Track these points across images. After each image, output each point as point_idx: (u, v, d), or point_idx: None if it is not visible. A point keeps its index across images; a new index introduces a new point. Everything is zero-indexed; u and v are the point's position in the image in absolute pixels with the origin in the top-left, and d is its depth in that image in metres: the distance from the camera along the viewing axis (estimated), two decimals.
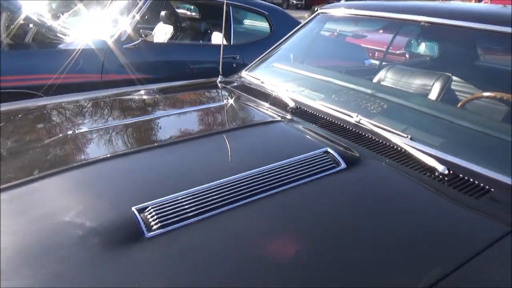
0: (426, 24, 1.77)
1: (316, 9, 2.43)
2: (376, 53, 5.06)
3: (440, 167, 1.12)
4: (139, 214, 0.85)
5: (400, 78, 2.11)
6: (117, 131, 1.33)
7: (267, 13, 4.16)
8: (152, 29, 4.51)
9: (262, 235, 0.87)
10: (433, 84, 1.96)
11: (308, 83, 1.83)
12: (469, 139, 1.32)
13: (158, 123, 1.46)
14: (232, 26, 4.03)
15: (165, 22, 4.66)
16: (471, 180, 1.10)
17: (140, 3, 3.46)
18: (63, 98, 1.72)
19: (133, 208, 0.86)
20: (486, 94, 1.57)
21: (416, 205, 1.04)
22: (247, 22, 5.03)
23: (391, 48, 3.18)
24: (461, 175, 1.12)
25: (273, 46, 2.28)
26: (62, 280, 0.71)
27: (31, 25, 3.21)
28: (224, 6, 2.11)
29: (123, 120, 1.45)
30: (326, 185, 1.05)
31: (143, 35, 3.38)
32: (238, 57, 3.90)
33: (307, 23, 2.28)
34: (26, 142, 1.24)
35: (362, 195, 1.06)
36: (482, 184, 1.08)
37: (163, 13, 4.56)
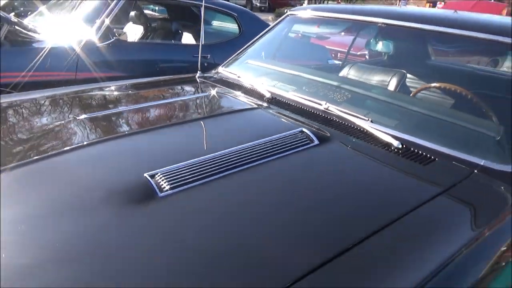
0: (383, 25, 2.02)
1: (286, 10, 2.63)
2: (339, 54, 5.35)
3: (395, 143, 1.35)
4: (151, 179, 1.01)
5: (361, 75, 2.36)
6: (116, 117, 1.47)
7: (236, 15, 4.34)
8: (121, 29, 4.58)
9: (250, 195, 1.06)
10: (390, 79, 2.22)
11: (281, 77, 2.03)
12: (418, 121, 1.56)
13: (151, 111, 1.60)
14: (202, 27, 4.17)
15: (134, 22, 4.73)
16: (420, 152, 1.33)
17: (113, 4, 3.54)
18: (57, 90, 1.83)
19: (145, 174, 1.02)
20: (433, 84, 1.83)
21: (375, 171, 1.26)
22: (217, 23, 5.18)
23: (352, 49, 3.45)
24: (412, 149, 1.35)
25: (247, 45, 2.46)
26: (95, 231, 0.86)
27: (2, 24, 3.22)
28: (202, 8, 2.27)
29: (119, 108, 1.60)
30: (302, 158, 1.25)
31: (116, 34, 3.47)
32: (209, 57, 4.04)
33: (277, 24, 2.49)
34: (41, 127, 1.37)
35: (332, 164, 1.27)
36: (428, 155, 1.31)
37: (132, 13, 4.63)
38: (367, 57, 4.15)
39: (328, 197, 1.08)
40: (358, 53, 4.53)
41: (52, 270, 0.76)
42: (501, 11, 12.21)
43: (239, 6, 4.62)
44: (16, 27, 3.18)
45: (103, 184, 1.00)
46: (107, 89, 1.91)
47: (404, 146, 1.36)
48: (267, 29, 2.49)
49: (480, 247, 0.99)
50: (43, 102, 1.65)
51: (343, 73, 2.36)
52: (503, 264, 1.01)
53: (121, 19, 4.84)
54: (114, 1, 3.54)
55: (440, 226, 1.01)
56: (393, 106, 1.66)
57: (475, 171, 1.25)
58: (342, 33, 6.16)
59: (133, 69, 3.44)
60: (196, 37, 4.47)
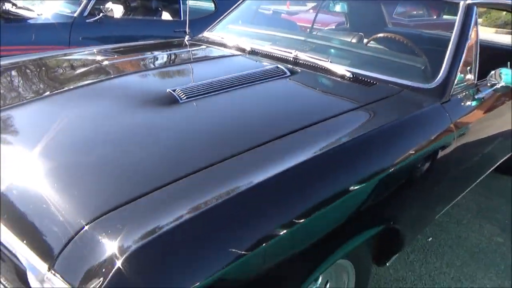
0: None
1: None
2: (308, 29, 5.78)
3: (348, 74, 1.80)
4: (173, 92, 1.42)
5: (326, 35, 2.81)
6: (139, 61, 1.89)
7: None
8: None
9: (240, 103, 1.50)
10: (351, 39, 2.66)
11: (258, 36, 2.44)
12: (366, 60, 2.02)
13: (159, 58, 2.00)
14: (181, 4, 4.51)
15: (113, 2, 4.99)
16: (365, 80, 1.78)
17: None
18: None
19: (168, 90, 1.43)
20: (379, 35, 2.29)
21: (331, 90, 1.72)
22: (193, 2, 5.50)
23: (320, 24, 3.86)
24: (360, 78, 1.80)
25: (226, 13, 2.84)
26: (141, 122, 1.27)
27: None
28: None
29: (139, 56, 2.02)
30: (277, 84, 1.69)
31: (103, 11, 3.76)
32: (189, 31, 4.38)
33: None
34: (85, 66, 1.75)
35: (299, 87, 1.71)
36: (371, 81, 1.77)
37: None
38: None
39: (294, 107, 1.53)
40: (326, 28, 4.97)
41: (113, 150, 1.15)
42: None
43: None
44: (11, 5, 3.43)
45: (143, 96, 1.42)
46: (116, 48, 2.28)
47: (354, 76, 1.80)
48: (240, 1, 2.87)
49: (402, 138, 1.45)
50: (71, 57, 2.02)
51: (310, 35, 2.79)
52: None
53: None
54: None
55: (377, 122, 1.46)
56: (348, 51, 2.12)
57: (405, 89, 1.71)
58: (311, 11, 6.58)
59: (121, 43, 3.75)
60: (173, 14, 4.79)
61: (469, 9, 1.89)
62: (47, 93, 1.43)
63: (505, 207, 2.95)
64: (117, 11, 4.94)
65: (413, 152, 1.45)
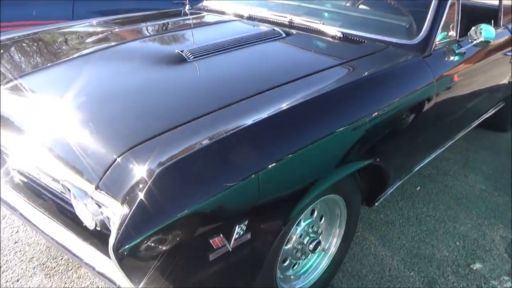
0: None
1: None
2: None
3: (339, 34, 1.97)
4: (182, 53, 1.60)
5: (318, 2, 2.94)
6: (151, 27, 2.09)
7: None
8: None
9: (242, 62, 1.68)
10: (345, 3, 2.79)
11: (254, 3, 2.58)
12: (355, 21, 2.18)
13: (166, 25, 2.17)
14: None
15: None
16: (355, 39, 1.95)
17: None
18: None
19: (176, 51, 1.61)
20: None
21: (323, 48, 1.89)
22: None
23: None
24: (349, 37, 1.97)
25: None
26: (155, 77, 1.45)
27: None
28: None
29: (148, 23, 2.25)
30: (274, 43, 1.86)
31: None
32: (187, 2, 4.48)
33: None
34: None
35: (294, 46, 1.89)
36: (360, 40, 1.93)
37: None
38: None
39: (289, 63, 1.72)
40: None
41: (136, 98, 1.34)
42: None
43: None
44: None
45: (156, 56, 1.62)
46: (123, 18, 2.44)
47: (344, 35, 1.97)
48: None
49: (386, 86, 1.64)
50: (83, 28, 2.18)
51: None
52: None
53: None
54: None
55: (365, 73, 1.64)
56: (338, 14, 2.27)
57: (391, 46, 1.88)
58: None
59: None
60: None
61: None
62: (73, 56, 1.62)
63: (490, 159, 3.17)
64: None
65: (397, 99, 1.63)
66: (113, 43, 1.79)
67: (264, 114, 1.21)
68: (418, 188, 2.71)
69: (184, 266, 1.00)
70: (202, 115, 1.20)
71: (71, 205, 1.12)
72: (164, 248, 0.93)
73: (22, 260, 1.91)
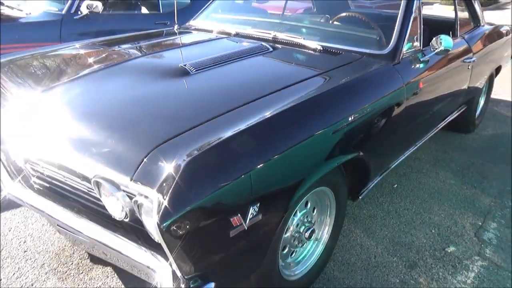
0: None
1: None
2: (280, 15, 6.14)
3: (319, 47, 2.21)
4: (185, 67, 1.80)
5: (298, 18, 3.21)
6: (156, 46, 2.24)
7: None
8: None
9: (237, 73, 1.89)
10: (319, 20, 3.07)
11: (239, 22, 2.82)
12: (331, 35, 2.44)
13: (160, 44, 2.35)
14: None
15: None
16: (333, 50, 2.20)
17: None
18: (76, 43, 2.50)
19: (180, 65, 1.81)
20: (342, 14, 2.71)
21: (305, 60, 2.13)
22: None
23: (289, 11, 4.25)
24: (328, 50, 2.22)
25: (207, 4, 3.19)
26: (161, 87, 1.64)
27: None
28: None
29: (147, 42, 2.46)
30: (264, 56, 2.09)
31: (88, 7, 4.02)
32: (168, 23, 4.70)
33: None
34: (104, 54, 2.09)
35: (280, 58, 2.12)
36: (337, 51, 2.19)
37: None
38: None
39: (277, 74, 1.94)
40: (295, 13, 5.37)
41: (151, 104, 1.53)
42: None
43: None
44: (2, 7, 3.66)
45: (162, 70, 1.82)
46: (118, 38, 2.62)
47: (323, 48, 2.22)
48: None
49: (362, 89, 1.88)
50: (85, 49, 2.34)
51: (284, 18, 3.19)
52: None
53: None
54: None
55: (343, 79, 1.88)
56: (317, 29, 2.53)
57: (364, 56, 2.14)
58: None
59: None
60: (151, 8, 5.08)
61: None
62: (89, 72, 1.79)
63: (457, 157, 3.48)
64: (98, 6, 5.19)
65: (373, 101, 1.88)
66: (119, 60, 1.96)
67: (262, 116, 1.42)
68: (395, 185, 2.97)
69: (209, 241, 1.18)
70: (212, 118, 1.39)
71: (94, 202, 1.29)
72: (194, 225, 1.11)
73: (33, 267, 2.01)
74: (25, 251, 2.12)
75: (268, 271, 1.58)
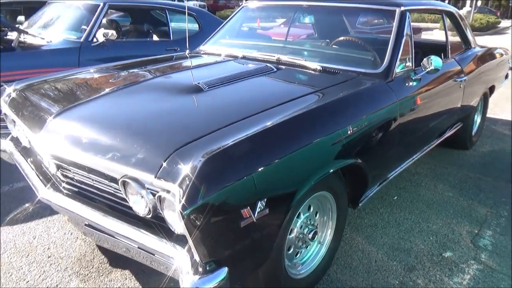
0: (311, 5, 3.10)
1: (240, 3, 3.64)
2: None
3: (319, 67, 2.43)
4: (198, 84, 2.02)
5: (300, 43, 3.45)
6: (166, 70, 2.48)
7: (195, 14, 5.33)
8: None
9: (245, 90, 2.10)
10: (320, 44, 3.31)
11: (246, 46, 3.06)
12: (331, 57, 2.66)
13: (173, 66, 2.58)
14: (170, 26, 5.13)
15: (106, 28, 5.56)
16: (331, 70, 2.42)
17: (97, 13, 4.38)
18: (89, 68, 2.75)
19: (194, 83, 2.03)
20: (341, 38, 2.95)
21: (306, 79, 2.34)
22: (177, 23, 6.12)
23: (292, 37, 4.53)
24: (327, 69, 2.44)
25: (216, 30, 3.46)
26: (179, 103, 1.85)
27: (12, 34, 4.00)
28: (186, 10, 3.27)
29: (161, 65, 2.65)
30: (269, 76, 2.30)
31: (104, 35, 4.32)
32: (178, 49, 4.99)
33: (236, 13, 3.50)
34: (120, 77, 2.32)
35: (284, 78, 2.34)
36: (336, 71, 2.40)
37: (104, 20, 5.46)
38: None
39: (281, 90, 2.15)
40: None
41: (167, 116, 1.73)
42: None
43: (198, 7, 5.59)
44: (26, 35, 3.96)
45: (178, 88, 2.04)
46: (137, 62, 2.87)
47: (323, 68, 2.44)
48: (228, 19, 3.50)
49: (358, 104, 2.08)
50: (109, 71, 2.58)
51: (287, 42, 3.44)
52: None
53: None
54: (98, 11, 4.39)
55: (340, 94, 2.08)
56: (317, 52, 2.77)
57: (360, 74, 2.35)
58: (282, 25, 7.32)
59: None
60: (161, 35, 5.39)
61: (402, 14, 2.56)
62: (111, 91, 2.02)
63: (455, 172, 3.63)
64: (112, 35, 5.52)
65: (368, 114, 2.07)
66: (140, 80, 2.19)
67: (267, 125, 1.62)
68: (395, 197, 3.12)
69: (222, 230, 1.35)
70: (223, 127, 1.59)
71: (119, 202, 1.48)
72: (209, 215, 1.28)
73: (58, 270, 2.18)
74: (49, 257, 2.29)
75: (274, 268, 1.73)
